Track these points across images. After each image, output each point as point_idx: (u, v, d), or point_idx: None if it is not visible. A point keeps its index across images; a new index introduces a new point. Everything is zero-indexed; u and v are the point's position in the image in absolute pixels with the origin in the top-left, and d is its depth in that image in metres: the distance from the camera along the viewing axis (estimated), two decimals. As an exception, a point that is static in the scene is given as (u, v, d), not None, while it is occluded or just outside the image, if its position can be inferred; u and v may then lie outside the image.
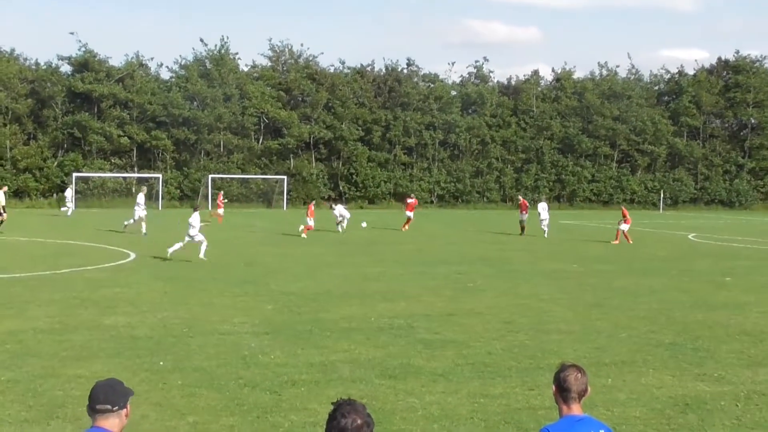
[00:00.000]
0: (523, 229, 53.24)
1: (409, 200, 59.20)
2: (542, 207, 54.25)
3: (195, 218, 36.13)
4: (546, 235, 51.75)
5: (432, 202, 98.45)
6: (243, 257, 37.08)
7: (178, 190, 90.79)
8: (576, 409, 6.56)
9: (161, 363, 16.33)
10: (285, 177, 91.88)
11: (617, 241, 48.47)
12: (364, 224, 52.62)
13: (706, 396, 14.64)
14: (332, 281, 29.37)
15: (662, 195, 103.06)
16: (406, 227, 55.12)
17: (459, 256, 39.52)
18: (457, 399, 14.18)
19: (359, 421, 5.43)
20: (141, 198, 50.76)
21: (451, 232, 54.52)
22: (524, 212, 53.46)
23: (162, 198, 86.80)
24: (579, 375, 6.58)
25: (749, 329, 21.17)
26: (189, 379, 15.18)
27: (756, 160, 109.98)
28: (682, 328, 21.03)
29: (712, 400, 14.34)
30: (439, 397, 14.24)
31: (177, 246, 35.61)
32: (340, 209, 53.89)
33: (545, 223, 52.99)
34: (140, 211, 49.30)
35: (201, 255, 34.95)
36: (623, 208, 52.58)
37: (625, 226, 49.11)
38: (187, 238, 35.83)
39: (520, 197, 58.81)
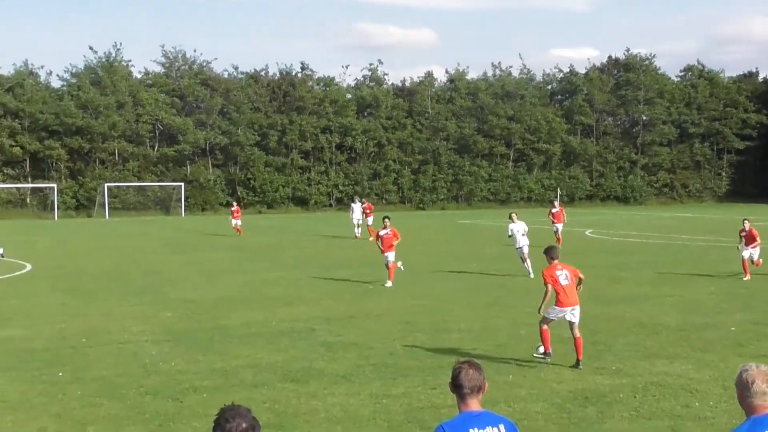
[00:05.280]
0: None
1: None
2: None
3: None
4: None
5: (331, 205, 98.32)
6: (141, 266, 36.69)
7: (74, 200, 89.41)
8: (473, 405, 6.66)
9: (60, 374, 16.11)
10: (182, 184, 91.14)
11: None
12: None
13: (605, 389, 14.90)
14: (232, 287, 29.24)
15: (558, 192, 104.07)
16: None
17: (357, 259, 39.55)
18: (360, 400, 14.23)
19: (244, 425, 5.41)
20: None
21: (348, 235, 54.44)
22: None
23: (58, 208, 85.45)
24: (471, 371, 6.67)
25: (644, 321, 21.60)
26: (89, 389, 15.00)
27: (648, 156, 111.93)
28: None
29: (610, 393, 14.61)
30: (342, 399, 14.29)
31: None
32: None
33: None
34: None
35: None
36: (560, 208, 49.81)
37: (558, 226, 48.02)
38: None
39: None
